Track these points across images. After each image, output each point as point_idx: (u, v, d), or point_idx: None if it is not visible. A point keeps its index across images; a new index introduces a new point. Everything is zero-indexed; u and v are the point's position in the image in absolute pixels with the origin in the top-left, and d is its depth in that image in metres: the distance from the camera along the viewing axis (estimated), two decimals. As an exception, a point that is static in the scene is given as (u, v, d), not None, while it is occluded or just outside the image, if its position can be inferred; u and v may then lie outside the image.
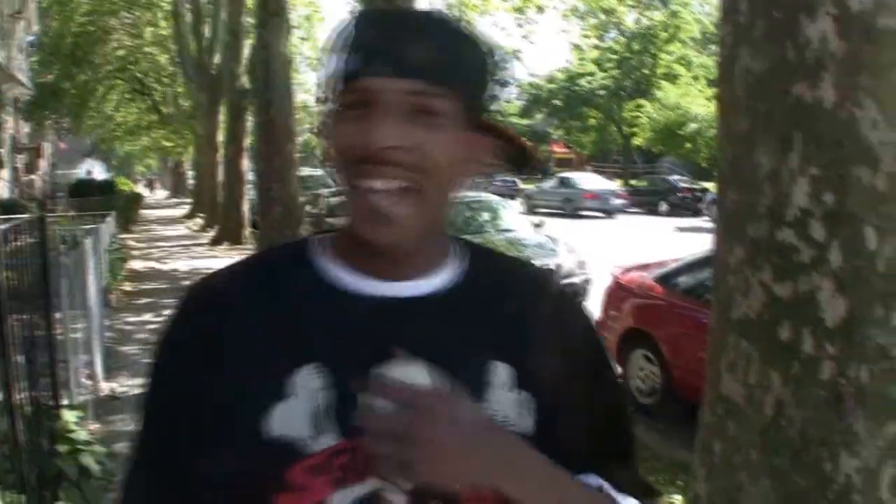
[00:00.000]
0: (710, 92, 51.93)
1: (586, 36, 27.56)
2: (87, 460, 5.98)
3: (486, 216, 15.53)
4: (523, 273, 1.56)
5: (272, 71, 16.91)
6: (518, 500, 1.24)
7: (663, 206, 39.49)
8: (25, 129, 41.26)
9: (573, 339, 1.47)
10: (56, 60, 38.13)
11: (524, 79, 78.20)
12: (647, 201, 40.87)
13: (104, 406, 8.54)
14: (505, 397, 1.34)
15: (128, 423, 7.97)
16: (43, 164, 43.30)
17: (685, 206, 38.46)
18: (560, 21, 23.81)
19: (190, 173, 61.27)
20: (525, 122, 75.89)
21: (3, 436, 4.94)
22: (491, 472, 1.21)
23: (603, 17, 26.91)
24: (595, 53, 63.59)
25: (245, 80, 24.63)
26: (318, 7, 34.84)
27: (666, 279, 8.84)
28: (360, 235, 1.28)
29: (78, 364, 8.07)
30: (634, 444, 1.55)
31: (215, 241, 26.59)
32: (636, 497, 1.42)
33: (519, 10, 23.96)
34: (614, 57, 65.29)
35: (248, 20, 25.35)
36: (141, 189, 61.32)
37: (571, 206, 38.76)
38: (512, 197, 35.29)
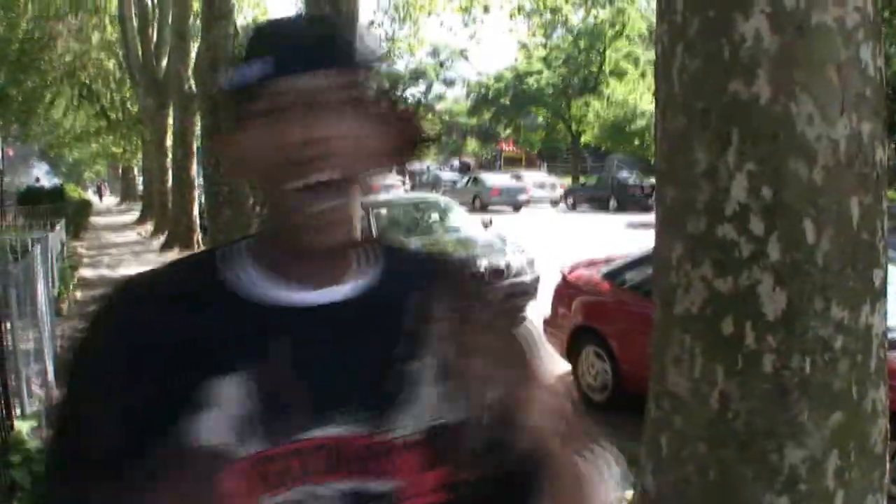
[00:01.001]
0: (657, 88, 52.37)
1: (532, 34, 27.57)
2: (42, 469, 5.93)
3: (434, 216, 15.52)
4: (438, 266, 1.56)
5: (218, 73, 16.81)
6: None
7: (613, 203, 39.69)
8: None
9: (486, 322, 1.46)
10: (2, 66, 37.68)
11: (472, 78, 78.46)
12: (596, 197, 41.11)
13: (55, 415, 8.46)
14: (432, 390, 1.34)
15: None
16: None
17: (634, 201, 38.65)
18: (506, 20, 23.74)
19: (139, 178, 60.80)
20: (473, 121, 76.05)
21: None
22: None
23: (549, 15, 26.87)
24: (542, 52, 63.76)
25: (193, 83, 24.45)
26: (264, 9, 34.73)
27: (613, 276, 8.87)
28: (300, 239, 1.28)
29: (30, 374, 7.97)
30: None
31: (165, 247, 26.37)
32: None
33: (465, 10, 23.96)
34: (561, 55, 65.48)
35: (195, 23, 25.23)
36: (90, 196, 60.70)
37: (480, 201, 40.70)
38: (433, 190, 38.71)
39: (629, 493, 3.38)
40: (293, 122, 1.24)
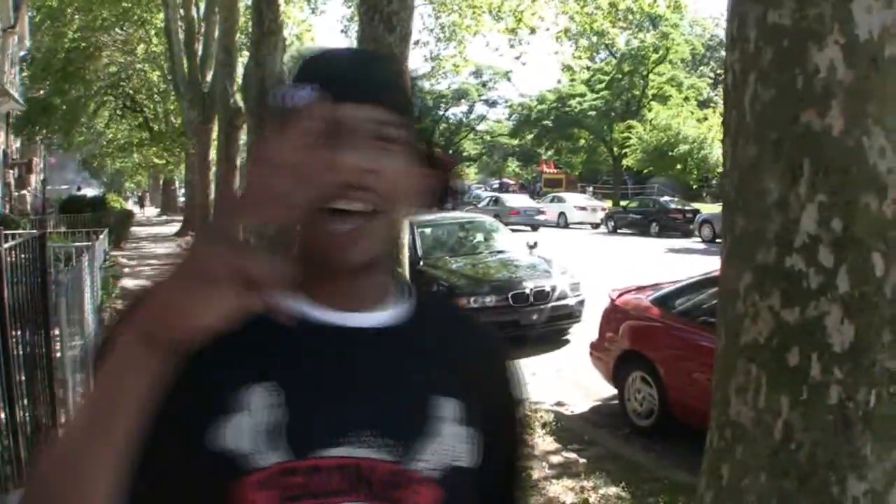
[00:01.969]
0: (701, 113, 52.19)
1: (577, 57, 27.53)
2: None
3: (479, 236, 15.55)
4: (469, 320, 1.61)
5: (267, 89, 16.92)
6: None
7: (654, 227, 39.56)
8: (16, 144, 41.22)
9: (507, 392, 1.54)
10: (47, 76, 38.09)
11: (514, 99, 78.46)
12: (638, 222, 40.98)
13: (100, 425, 8.51)
14: (456, 431, 1.37)
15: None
16: (34, 179, 43.21)
17: (675, 227, 38.51)
18: (552, 42, 23.74)
19: (180, 191, 61.19)
20: (515, 141, 76.09)
21: (7, 455, 4.93)
22: None
23: (594, 38, 26.86)
24: (586, 74, 63.77)
25: (238, 98, 24.60)
26: (309, 26, 34.94)
27: (662, 301, 8.86)
28: (329, 258, 1.31)
29: (75, 382, 8.03)
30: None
31: (207, 259, 26.50)
32: None
33: (512, 31, 24.01)
34: (605, 78, 65.41)
35: (241, 38, 25.40)
36: (131, 206, 61.10)
37: (499, 220, 40.61)
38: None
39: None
40: (349, 148, 1.27)
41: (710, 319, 7.48)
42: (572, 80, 65.87)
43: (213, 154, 31.06)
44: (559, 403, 9.91)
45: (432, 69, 50.52)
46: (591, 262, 22.08)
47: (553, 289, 12.89)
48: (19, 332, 5.53)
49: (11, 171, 37.51)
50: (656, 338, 8.62)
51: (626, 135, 56.72)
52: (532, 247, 15.10)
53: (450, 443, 1.35)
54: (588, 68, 59.38)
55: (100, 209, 31.48)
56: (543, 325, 12.69)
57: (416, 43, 27.39)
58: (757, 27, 2.97)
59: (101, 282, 14.59)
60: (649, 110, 56.30)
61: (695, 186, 51.82)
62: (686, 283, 9.04)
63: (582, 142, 69.61)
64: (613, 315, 9.34)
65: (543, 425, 8.68)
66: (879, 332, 2.77)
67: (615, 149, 62.95)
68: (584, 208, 46.05)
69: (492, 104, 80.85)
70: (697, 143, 48.77)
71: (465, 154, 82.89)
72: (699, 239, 34.82)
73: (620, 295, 9.60)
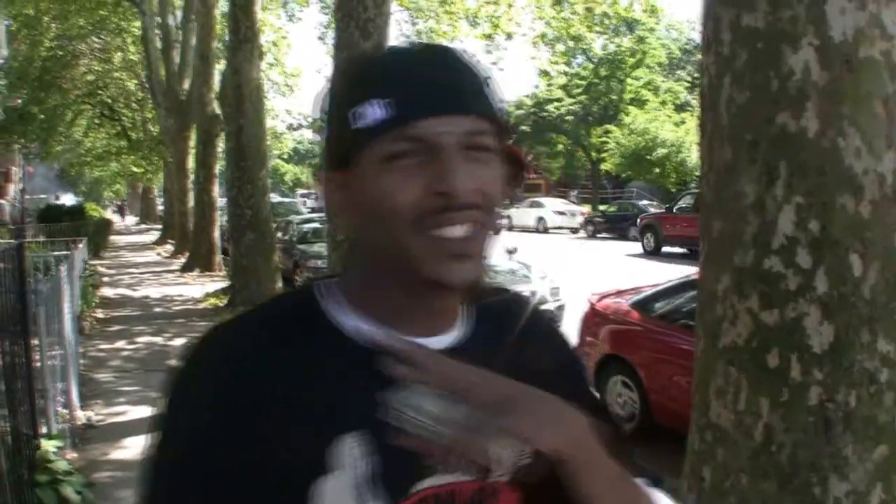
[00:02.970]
0: (678, 117, 52.33)
1: (554, 62, 27.58)
2: (67, 490, 5.94)
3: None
4: (517, 308, 1.52)
5: (243, 96, 16.89)
6: (580, 477, 1.18)
7: (632, 231, 39.64)
8: (-8, 154, 41.10)
9: (563, 364, 1.48)
10: (24, 84, 37.88)
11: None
12: (616, 226, 41.03)
13: (81, 435, 8.47)
14: None
15: (105, 453, 7.91)
16: (12, 188, 43.03)
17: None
18: (528, 48, 23.81)
19: (159, 199, 60.97)
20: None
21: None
22: (575, 434, 1.17)
23: (571, 43, 26.90)
24: (563, 79, 63.89)
25: (215, 106, 24.53)
26: (285, 33, 34.89)
27: (643, 305, 8.86)
28: (438, 279, 1.19)
29: (55, 392, 7.99)
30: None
31: (186, 268, 26.37)
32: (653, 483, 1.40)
33: (488, 37, 24.03)
34: (582, 83, 65.51)
35: (218, 46, 25.33)
36: (111, 215, 60.89)
37: None
38: None
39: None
40: (454, 167, 1.16)
41: (689, 322, 7.48)
42: (549, 85, 65.76)
43: (191, 162, 30.95)
44: (540, 408, 9.87)
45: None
46: (571, 267, 22.07)
47: (533, 294, 12.89)
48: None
49: (-12, 182, 37.38)
50: (636, 341, 8.62)
51: (603, 139, 56.78)
52: (511, 252, 15.09)
53: (517, 445, 1.25)
54: (565, 73, 59.30)
55: (78, 218, 31.35)
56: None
57: (393, 49, 27.40)
58: (731, 30, 2.99)
59: (81, 291, 14.50)
60: (627, 115, 56.32)
61: (673, 190, 51.85)
62: (665, 287, 9.04)
63: (560, 147, 69.66)
64: (593, 319, 9.33)
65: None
66: (858, 332, 2.78)
67: (593, 153, 63.04)
68: (562, 213, 46.10)
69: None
70: (675, 147, 48.84)
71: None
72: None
73: (600, 299, 9.60)
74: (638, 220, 35.40)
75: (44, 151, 44.07)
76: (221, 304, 17.85)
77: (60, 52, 37.64)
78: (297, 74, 37.21)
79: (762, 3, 2.86)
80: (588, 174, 69.55)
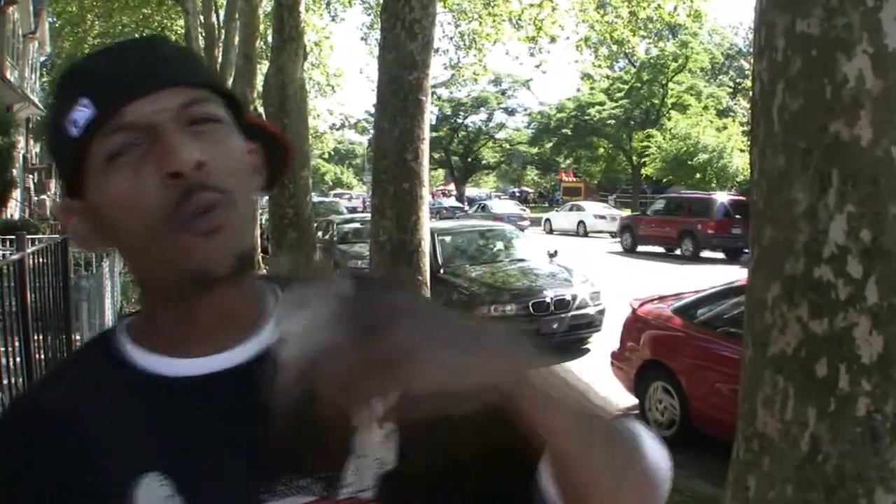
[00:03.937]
0: (720, 122, 52.06)
1: (597, 66, 27.52)
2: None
3: (499, 245, 15.52)
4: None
5: (287, 96, 16.96)
6: (533, 415, 0.98)
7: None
8: (36, 149, 41.39)
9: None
10: (68, 82, 38.22)
11: (534, 107, 78.39)
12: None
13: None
14: (372, 437, 1.14)
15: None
16: (53, 184, 43.40)
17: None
18: (571, 51, 23.75)
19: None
20: (534, 150, 76.05)
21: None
22: (515, 365, 0.97)
23: (614, 47, 26.85)
24: (605, 83, 63.67)
25: (258, 105, 24.65)
26: (329, 33, 35.03)
27: (684, 311, 8.83)
28: (202, 267, 1.07)
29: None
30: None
31: (226, 266, 26.56)
32: None
33: (532, 40, 23.99)
34: (624, 86, 65.32)
35: (261, 45, 25.44)
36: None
37: None
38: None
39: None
40: (175, 143, 1.06)
41: (731, 329, 7.44)
42: (592, 88, 65.77)
43: (233, 161, 31.14)
44: (579, 413, 9.85)
45: (452, 77, 50.63)
46: (613, 273, 22.06)
47: (573, 298, 12.85)
48: (41, 337, 5.54)
49: (31, 176, 37.69)
50: (678, 348, 8.59)
51: (645, 144, 56.54)
52: (552, 255, 15.07)
53: (372, 453, 1.14)
54: (607, 77, 59.18)
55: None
56: (563, 333, 12.64)
57: (436, 51, 27.40)
58: (785, 36, 2.96)
59: (121, 287, 14.62)
60: (668, 119, 56.12)
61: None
62: (707, 293, 9.00)
63: (601, 150, 69.36)
64: (634, 324, 9.31)
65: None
66: (908, 343, 2.76)
67: (634, 158, 62.77)
68: (603, 217, 45.94)
69: (511, 112, 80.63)
70: (717, 153, 48.59)
71: (483, 162, 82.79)
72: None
73: (642, 304, 9.57)
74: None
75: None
76: (261, 302, 17.94)
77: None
78: (339, 75, 37.37)
79: (817, 9, 2.84)
80: (629, 178, 69.30)
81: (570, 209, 47.91)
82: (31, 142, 39.07)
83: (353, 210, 42.97)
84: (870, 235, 2.75)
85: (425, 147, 8.88)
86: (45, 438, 1.11)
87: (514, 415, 0.97)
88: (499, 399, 0.94)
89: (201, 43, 33.30)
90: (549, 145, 73.25)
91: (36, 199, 36.72)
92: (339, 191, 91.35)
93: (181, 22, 35.82)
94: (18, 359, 5.26)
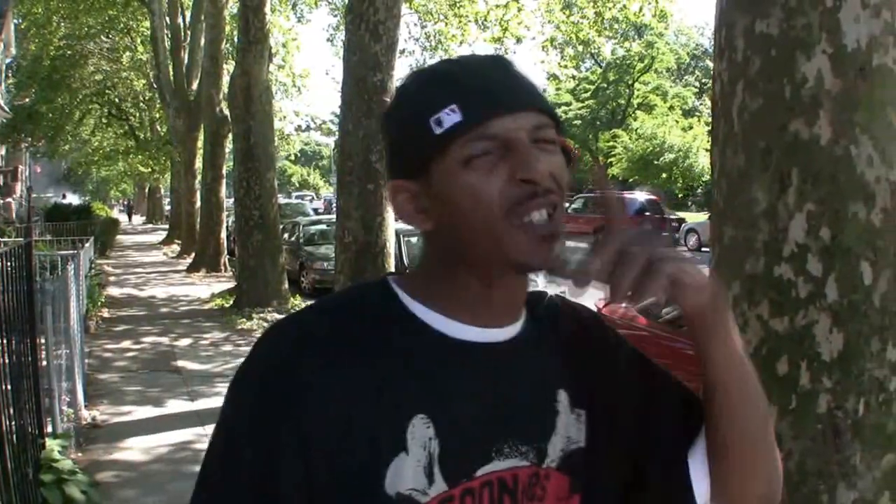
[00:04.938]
0: (686, 122, 52.35)
1: (563, 66, 27.58)
2: (72, 490, 5.95)
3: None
4: (558, 301, 1.57)
5: (252, 98, 16.94)
6: (708, 339, 1.39)
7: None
8: (1, 152, 41.09)
9: (609, 351, 1.57)
10: (33, 83, 37.89)
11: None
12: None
13: (86, 434, 8.49)
14: (569, 419, 1.42)
15: (110, 453, 7.93)
16: (19, 187, 43.08)
17: (661, 235, 38.66)
18: (537, 51, 23.82)
19: (166, 199, 60.97)
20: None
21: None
22: (714, 295, 1.34)
23: (580, 47, 26.91)
24: (571, 83, 63.84)
25: (224, 107, 24.52)
26: (294, 34, 34.92)
27: (649, 310, 8.85)
28: (527, 261, 1.28)
29: (61, 391, 8.00)
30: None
31: (192, 268, 26.41)
32: None
33: (498, 41, 24.01)
34: (590, 87, 65.52)
35: (227, 47, 25.34)
36: (118, 215, 60.83)
37: None
38: None
39: None
40: (532, 156, 1.26)
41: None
42: (558, 89, 65.87)
43: (198, 163, 30.96)
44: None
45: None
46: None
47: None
48: (5, 341, 5.50)
49: (-4, 179, 37.40)
50: (643, 346, 8.51)
51: (611, 144, 56.81)
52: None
53: (565, 433, 1.41)
54: (573, 77, 59.33)
55: (85, 217, 31.38)
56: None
57: (402, 52, 27.36)
58: (745, 37, 2.98)
59: (87, 290, 14.54)
60: (634, 119, 56.46)
61: (680, 195, 51.93)
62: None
63: (567, 151, 69.55)
64: (600, 324, 9.32)
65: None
66: (868, 340, 2.77)
67: (601, 158, 63.02)
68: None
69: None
70: (683, 152, 48.92)
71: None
72: (685, 248, 34.86)
73: (607, 304, 9.59)
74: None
75: (51, 150, 44.04)
76: (227, 305, 17.87)
77: (69, 52, 37.66)
78: (305, 76, 37.26)
79: (777, 9, 2.85)
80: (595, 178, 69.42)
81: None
82: (-3, 144, 38.83)
83: (316, 211, 42.86)
84: (829, 234, 2.77)
85: (391, 148, 8.88)
86: (329, 372, 1.27)
87: (704, 330, 1.37)
88: (709, 301, 1.32)
89: (167, 45, 33.13)
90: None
91: (1, 202, 36.46)
92: (301, 192, 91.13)
93: (147, 23, 35.66)
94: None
